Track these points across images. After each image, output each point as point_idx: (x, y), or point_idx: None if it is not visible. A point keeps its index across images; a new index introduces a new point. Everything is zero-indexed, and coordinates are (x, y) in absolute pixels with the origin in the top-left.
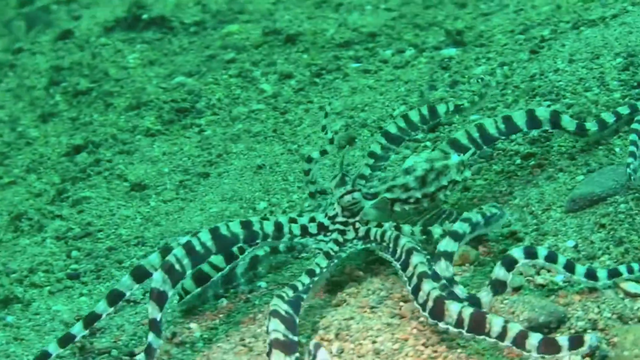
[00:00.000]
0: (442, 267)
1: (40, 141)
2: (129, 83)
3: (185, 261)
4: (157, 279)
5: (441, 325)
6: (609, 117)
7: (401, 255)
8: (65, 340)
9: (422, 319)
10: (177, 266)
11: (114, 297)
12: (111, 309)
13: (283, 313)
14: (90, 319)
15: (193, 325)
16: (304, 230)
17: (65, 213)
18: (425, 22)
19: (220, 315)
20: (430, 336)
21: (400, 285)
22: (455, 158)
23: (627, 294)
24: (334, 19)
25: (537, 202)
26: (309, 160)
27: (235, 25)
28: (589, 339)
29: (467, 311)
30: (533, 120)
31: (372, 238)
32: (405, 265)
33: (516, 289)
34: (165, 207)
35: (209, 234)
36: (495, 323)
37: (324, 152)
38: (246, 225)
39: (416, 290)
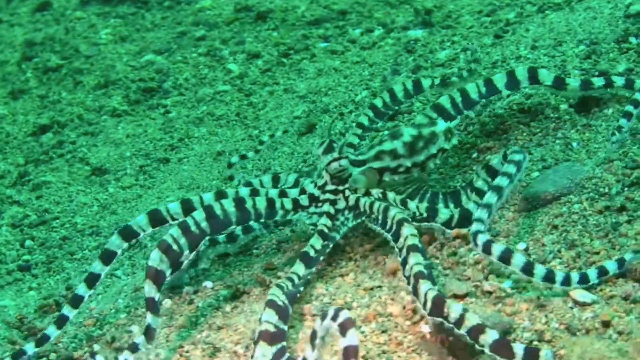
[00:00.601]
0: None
1: (8, 119)
2: (99, 60)
3: (182, 241)
4: (154, 258)
5: (417, 304)
6: (598, 81)
7: (392, 226)
8: (75, 301)
9: (362, 328)
10: (174, 246)
11: (107, 257)
12: (107, 268)
13: (280, 303)
14: (91, 279)
15: (134, 328)
16: (296, 204)
17: (23, 199)
18: (396, 0)
19: (164, 317)
20: (371, 348)
21: (343, 290)
22: (442, 125)
23: (576, 302)
24: None
25: None
26: (230, 165)
27: (209, 0)
28: (545, 354)
29: (431, 294)
30: (512, 81)
31: (362, 209)
32: (396, 237)
33: (462, 296)
34: (123, 194)
35: (203, 213)
36: (453, 309)
37: (243, 157)
38: (239, 203)
39: (404, 263)
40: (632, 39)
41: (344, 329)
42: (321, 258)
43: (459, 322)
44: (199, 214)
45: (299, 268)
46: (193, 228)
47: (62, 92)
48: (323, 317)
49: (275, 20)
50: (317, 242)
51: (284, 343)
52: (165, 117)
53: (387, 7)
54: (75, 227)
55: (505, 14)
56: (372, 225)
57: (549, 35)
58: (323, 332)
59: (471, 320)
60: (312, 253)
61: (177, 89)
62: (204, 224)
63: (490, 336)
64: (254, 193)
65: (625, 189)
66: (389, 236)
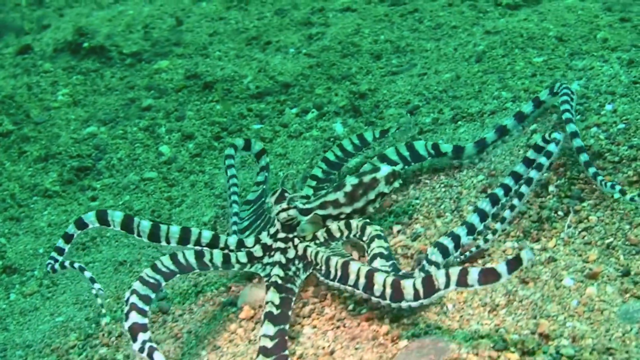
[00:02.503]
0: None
1: None
2: (47, 128)
3: (158, 277)
4: (136, 286)
5: (403, 305)
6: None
7: (336, 273)
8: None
9: None
10: (151, 280)
11: (80, 225)
12: (79, 231)
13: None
14: (65, 238)
15: None
16: (250, 256)
17: None
18: (338, 74)
19: None
20: None
21: None
22: (384, 170)
23: None
24: (257, 60)
25: None
26: None
27: (166, 61)
28: (525, 254)
29: (417, 280)
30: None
31: (309, 259)
32: (344, 280)
33: None
34: (22, 304)
35: (170, 260)
36: (439, 275)
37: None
38: (199, 255)
39: (369, 286)
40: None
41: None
42: (289, 312)
43: (448, 282)
44: (166, 260)
45: (268, 329)
46: (163, 269)
47: (6, 162)
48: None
49: (220, 92)
50: (274, 296)
51: None
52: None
53: (329, 81)
54: None
55: (424, 116)
56: (320, 276)
57: None
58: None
59: (454, 272)
60: (274, 311)
61: (110, 170)
62: (172, 267)
63: (474, 273)
64: (214, 243)
65: None
66: (335, 284)
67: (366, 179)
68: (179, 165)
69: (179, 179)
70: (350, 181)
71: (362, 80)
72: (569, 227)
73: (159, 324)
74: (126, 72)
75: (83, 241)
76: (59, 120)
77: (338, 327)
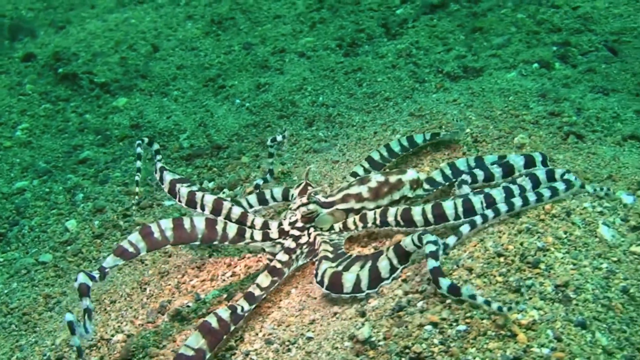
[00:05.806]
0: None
1: None
2: None
3: (141, 245)
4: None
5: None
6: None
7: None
8: None
9: None
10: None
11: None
12: None
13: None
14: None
15: None
16: (265, 236)
17: None
18: (269, 137)
19: None
20: None
21: None
22: (410, 174)
23: None
24: (205, 109)
25: None
26: None
27: (125, 98)
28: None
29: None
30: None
31: (315, 247)
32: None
33: None
34: None
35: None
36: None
37: None
38: (209, 223)
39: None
40: None
41: None
42: (264, 295)
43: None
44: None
45: (244, 303)
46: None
47: None
48: None
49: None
50: (264, 280)
51: None
52: None
53: (259, 147)
54: None
55: None
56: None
57: None
58: None
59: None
60: (256, 292)
61: (18, 241)
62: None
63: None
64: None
65: None
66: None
67: (392, 178)
68: (76, 249)
69: (70, 268)
70: (376, 177)
71: (285, 153)
72: None
73: None
74: (88, 107)
75: None
76: (3, 164)
77: None
